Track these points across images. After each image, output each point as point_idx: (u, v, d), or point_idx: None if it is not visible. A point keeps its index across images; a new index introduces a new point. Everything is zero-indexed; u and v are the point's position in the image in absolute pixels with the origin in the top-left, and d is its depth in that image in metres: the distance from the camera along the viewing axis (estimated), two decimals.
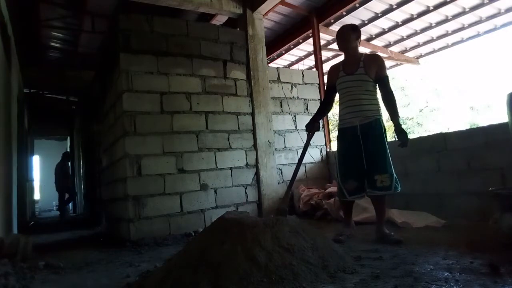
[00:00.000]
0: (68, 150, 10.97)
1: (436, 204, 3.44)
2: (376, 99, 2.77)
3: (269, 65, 5.89)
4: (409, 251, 2.24)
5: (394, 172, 2.67)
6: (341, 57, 3.08)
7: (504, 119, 2.62)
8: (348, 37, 2.83)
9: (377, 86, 2.77)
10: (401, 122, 2.73)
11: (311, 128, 2.90)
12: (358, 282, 1.71)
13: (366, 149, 2.69)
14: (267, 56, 4.79)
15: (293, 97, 4.92)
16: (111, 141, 4.28)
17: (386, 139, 2.72)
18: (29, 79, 6.88)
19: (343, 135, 2.84)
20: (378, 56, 2.91)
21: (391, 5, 5.42)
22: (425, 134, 4.16)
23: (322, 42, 6.15)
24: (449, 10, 5.59)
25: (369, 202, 2.99)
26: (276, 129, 4.61)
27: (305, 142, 2.88)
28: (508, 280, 1.55)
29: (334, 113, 9.50)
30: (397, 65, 7.86)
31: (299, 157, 2.81)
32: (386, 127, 2.78)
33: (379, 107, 2.77)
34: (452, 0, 5.29)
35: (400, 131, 2.63)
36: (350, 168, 2.76)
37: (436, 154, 3.49)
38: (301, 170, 4.84)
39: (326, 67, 6.90)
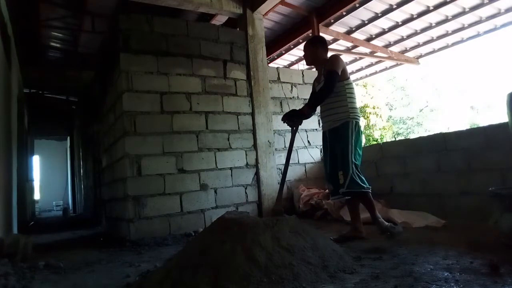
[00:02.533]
0: (68, 150, 10.98)
1: (436, 204, 3.44)
2: (345, 101, 2.75)
3: (269, 65, 5.88)
4: (409, 251, 2.24)
5: (351, 172, 2.64)
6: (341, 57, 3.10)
7: (504, 119, 2.63)
8: (314, 52, 2.92)
9: (347, 89, 2.77)
10: (309, 111, 2.73)
11: (294, 123, 2.76)
12: (358, 282, 1.71)
13: (333, 154, 2.81)
14: (267, 56, 4.79)
15: (293, 97, 4.93)
16: (111, 141, 4.29)
17: (353, 141, 2.68)
18: (29, 79, 6.87)
19: (322, 140, 3.01)
20: (332, 56, 2.89)
21: (391, 5, 5.42)
22: (425, 134, 4.16)
23: None
24: (449, 10, 5.59)
25: None
26: (276, 129, 4.61)
27: (290, 139, 2.76)
28: (508, 280, 1.55)
29: None
30: (397, 65, 7.85)
31: (286, 155, 2.71)
32: (358, 129, 2.74)
33: (350, 109, 2.74)
34: (452, 0, 5.29)
35: (293, 113, 2.74)
36: (327, 171, 2.92)
37: (436, 154, 3.49)
38: (301, 170, 4.85)
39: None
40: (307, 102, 2.90)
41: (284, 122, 2.78)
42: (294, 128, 2.75)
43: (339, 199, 2.91)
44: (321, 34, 5.48)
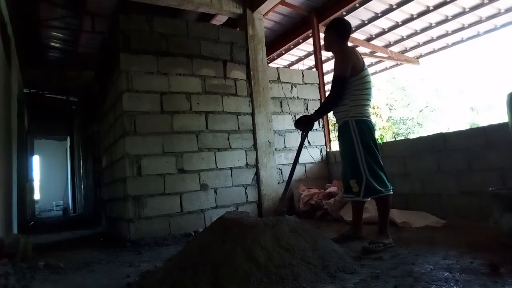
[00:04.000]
0: (68, 150, 10.99)
1: (436, 204, 3.45)
2: (347, 99, 2.57)
3: (269, 65, 5.89)
4: (409, 251, 2.24)
5: (366, 177, 2.46)
6: None
7: (504, 119, 2.63)
8: (328, 37, 2.77)
9: (352, 86, 2.56)
10: (317, 117, 2.73)
11: (303, 128, 2.74)
12: (358, 282, 1.71)
13: (341, 154, 2.76)
14: (267, 56, 4.79)
15: (293, 97, 4.93)
16: (111, 141, 4.28)
17: (359, 142, 2.50)
18: (29, 79, 6.88)
19: None
20: (341, 53, 2.64)
21: (391, 5, 5.43)
22: (425, 134, 4.16)
23: (322, 42, 6.14)
24: (449, 10, 5.60)
25: (369, 202, 2.98)
26: (276, 129, 4.61)
27: (299, 142, 2.74)
28: (508, 280, 1.55)
29: None
30: (397, 65, 7.86)
31: (294, 158, 2.74)
32: (362, 128, 2.53)
33: (351, 107, 2.56)
34: (452, 0, 5.30)
35: (302, 118, 2.75)
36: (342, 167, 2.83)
37: (436, 154, 3.49)
38: (301, 170, 4.85)
39: (326, 67, 6.96)
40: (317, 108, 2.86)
41: (295, 127, 2.80)
42: (304, 133, 2.74)
43: (346, 198, 2.85)
44: (321, 34, 5.49)
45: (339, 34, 2.69)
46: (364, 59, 2.72)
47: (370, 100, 2.64)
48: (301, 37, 6.20)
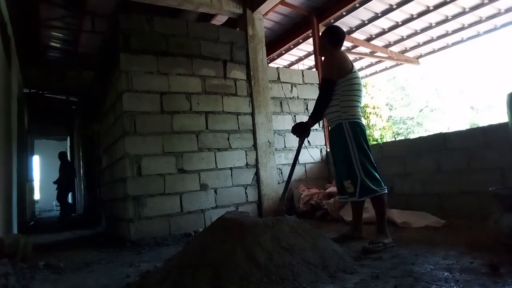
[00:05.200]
0: (68, 150, 10.99)
1: (436, 204, 3.44)
2: (337, 100, 2.60)
3: (269, 65, 5.89)
4: (409, 251, 2.24)
5: (360, 178, 2.48)
6: None
7: (504, 119, 2.63)
8: (320, 43, 2.86)
9: (341, 88, 2.60)
10: (312, 122, 2.72)
11: (300, 135, 2.74)
12: (358, 282, 1.71)
13: (334, 158, 2.79)
14: (267, 56, 4.79)
15: (293, 97, 4.93)
16: (111, 141, 4.29)
17: (353, 143, 2.53)
18: (29, 79, 6.88)
19: None
20: (327, 57, 2.75)
21: (391, 5, 5.42)
22: (425, 134, 4.15)
23: None
24: (449, 10, 5.59)
25: (369, 202, 2.98)
26: (276, 129, 4.61)
27: (297, 147, 2.75)
28: (508, 280, 1.55)
29: None
30: (397, 65, 7.86)
31: (292, 162, 2.75)
32: (355, 129, 2.56)
33: (342, 108, 2.59)
34: (452, 0, 5.29)
35: (298, 125, 2.76)
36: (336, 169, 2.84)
37: (436, 154, 3.49)
38: (301, 170, 4.85)
39: None
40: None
41: (292, 133, 2.80)
42: (301, 139, 2.75)
43: (341, 200, 2.89)
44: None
45: (332, 42, 2.77)
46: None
47: (360, 102, 2.69)
48: (301, 37, 6.20)
